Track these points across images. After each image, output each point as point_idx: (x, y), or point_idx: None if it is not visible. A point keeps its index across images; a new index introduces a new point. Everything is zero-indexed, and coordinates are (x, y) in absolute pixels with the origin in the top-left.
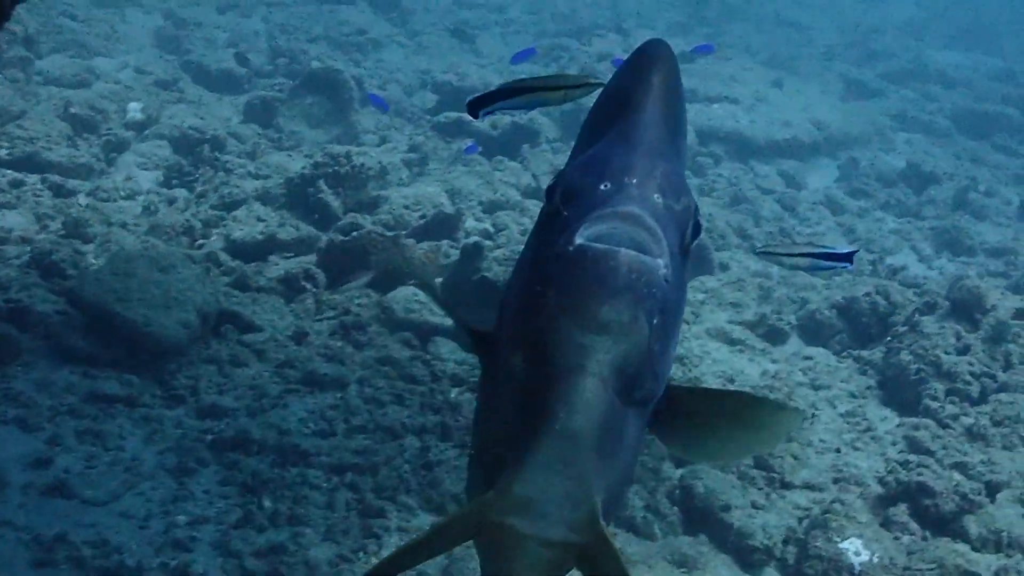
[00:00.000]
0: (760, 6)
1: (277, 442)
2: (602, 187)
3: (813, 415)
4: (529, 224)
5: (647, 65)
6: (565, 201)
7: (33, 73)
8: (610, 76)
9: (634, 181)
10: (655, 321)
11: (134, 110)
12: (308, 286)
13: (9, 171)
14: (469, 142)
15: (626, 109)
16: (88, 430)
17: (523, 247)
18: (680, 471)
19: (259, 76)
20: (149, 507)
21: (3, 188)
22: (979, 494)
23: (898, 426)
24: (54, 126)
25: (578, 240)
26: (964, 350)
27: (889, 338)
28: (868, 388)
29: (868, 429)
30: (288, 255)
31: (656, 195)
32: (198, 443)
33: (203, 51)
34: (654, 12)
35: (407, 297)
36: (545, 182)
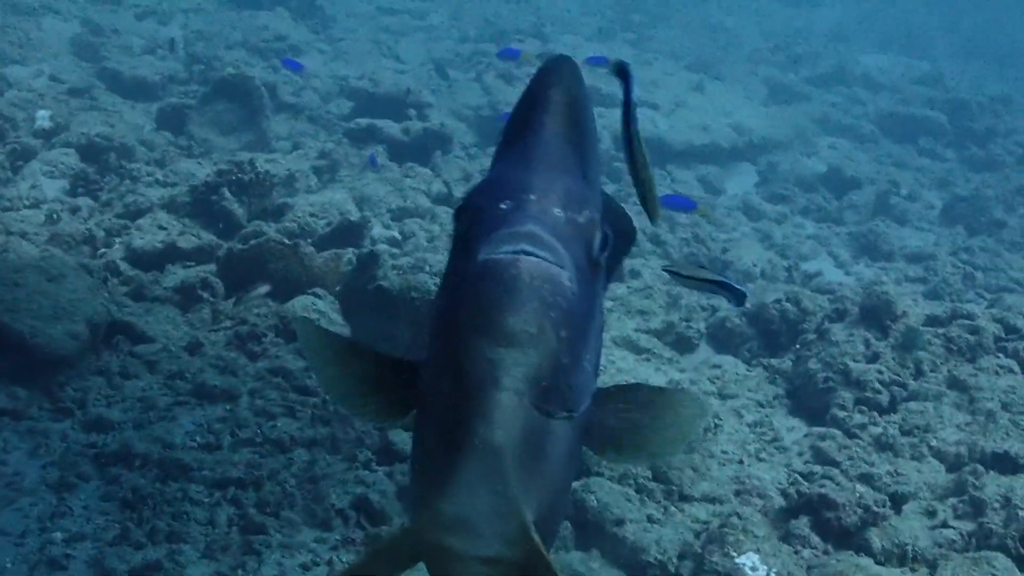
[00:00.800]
0: (687, 11)
1: (161, 456)
2: (502, 206)
3: (716, 425)
4: (438, 231)
5: (546, 84)
6: (470, 224)
7: None
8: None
9: (532, 198)
10: (562, 333)
11: (43, 118)
12: (206, 295)
13: None
14: (376, 149)
15: (525, 129)
16: None
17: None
18: (573, 484)
19: (174, 83)
20: (26, 523)
21: None
22: (884, 506)
23: (805, 436)
24: None
25: (482, 255)
26: (873, 358)
27: (798, 346)
28: (776, 397)
29: (774, 439)
30: (188, 264)
31: (556, 209)
32: (81, 457)
33: (119, 58)
34: (578, 17)
35: (306, 306)
36: (458, 188)
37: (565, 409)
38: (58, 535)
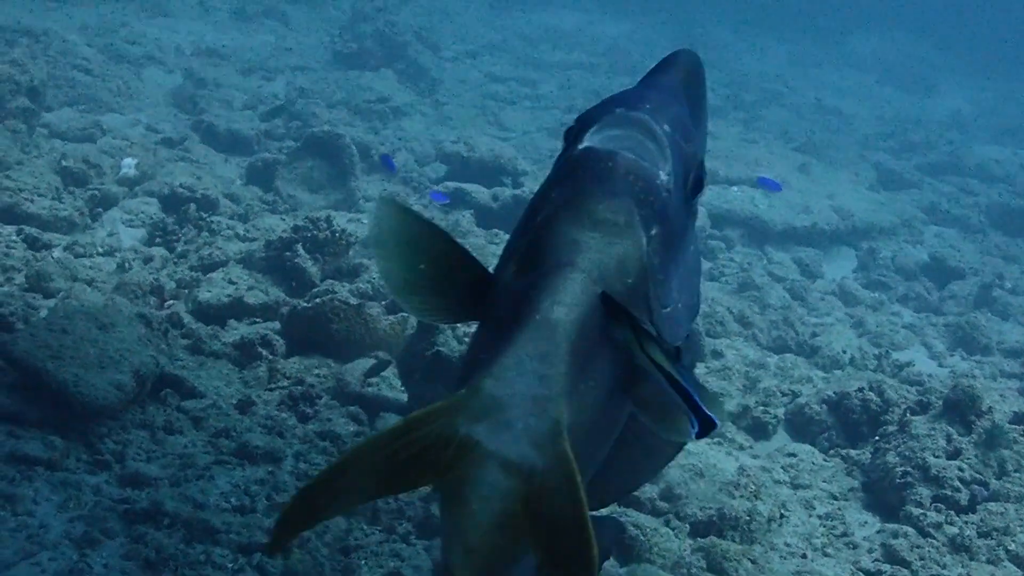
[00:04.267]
0: (802, 94)
1: (190, 516)
2: (617, 110)
3: (783, 515)
4: None
5: (674, 57)
6: (581, 124)
7: (37, 125)
8: None
9: (647, 106)
10: (653, 231)
11: (128, 166)
12: (265, 353)
13: None
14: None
15: (647, 78)
16: (1, 492)
17: None
18: (621, 570)
19: (270, 139)
20: None
21: None
22: None
23: (877, 532)
24: (44, 178)
25: (585, 143)
26: (955, 454)
27: (877, 438)
28: (851, 490)
29: (844, 534)
30: (254, 320)
31: (666, 125)
32: (111, 512)
33: (218, 111)
34: None
35: (365, 369)
36: None
37: (640, 319)
38: None
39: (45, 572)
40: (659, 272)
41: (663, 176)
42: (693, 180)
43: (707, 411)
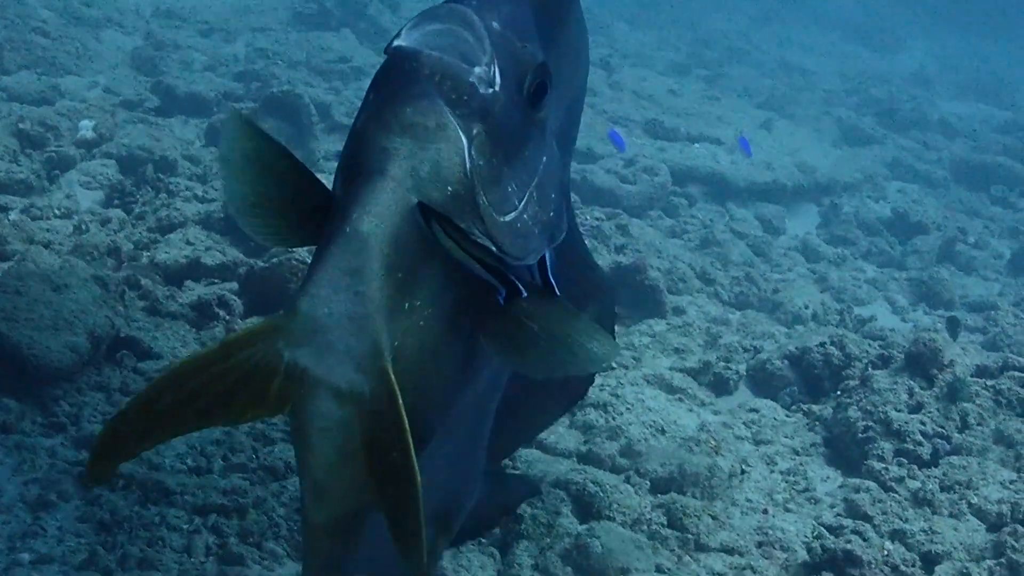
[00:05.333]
0: (766, 51)
1: (145, 477)
2: (439, 5)
3: (743, 471)
4: None
5: None
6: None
7: None
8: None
9: (474, 2)
10: (475, 131)
11: (85, 128)
12: (222, 313)
13: None
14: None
15: None
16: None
17: None
18: (580, 527)
19: (229, 99)
20: None
21: None
22: (913, 565)
23: (839, 487)
24: (0, 141)
25: (395, 42)
26: (917, 408)
27: (839, 392)
28: (814, 445)
29: (806, 489)
30: (212, 281)
31: (494, 21)
32: (66, 475)
33: (177, 73)
34: (651, 51)
35: None
36: None
37: (469, 227)
38: (26, 556)
39: None
40: (489, 177)
41: (478, 72)
42: (534, 85)
43: (517, 283)
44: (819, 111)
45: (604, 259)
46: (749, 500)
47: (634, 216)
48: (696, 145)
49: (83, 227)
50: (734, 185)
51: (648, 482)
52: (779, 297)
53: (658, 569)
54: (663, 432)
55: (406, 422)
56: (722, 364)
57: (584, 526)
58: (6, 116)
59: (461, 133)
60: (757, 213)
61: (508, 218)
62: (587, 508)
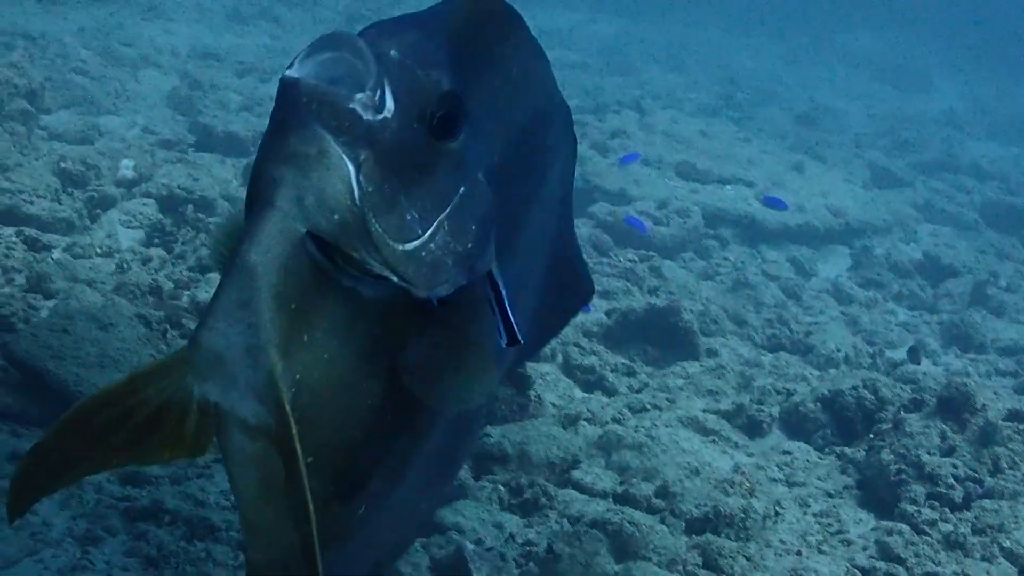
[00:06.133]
0: (796, 92)
1: (191, 514)
2: (335, 34)
3: (777, 513)
4: None
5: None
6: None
7: (36, 127)
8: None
9: (372, 31)
10: (362, 158)
11: (126, 167)
12: None
13: None
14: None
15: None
16: (3, 490)
17: None
18: (617, 567)
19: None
20: (45, 575)
21: None
22: None
23: (872, 530)
24: (43, 180)
25: (285, 72)
26: (949, 451)
27: (872, 435)
28: (846, 487)
29: (839, 531)
30: None
31: (393, 49)
32: (112, 510)
33: (214, 113)
34: (682, 92)
35: None
36: None
37: (363, 256)
38: None
39: (48, 569)
40: (381, 204)
41: (361, 98)
42: (439, 114)
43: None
44: (849, 153)
45: (638, 301)
46: (783, 541)
47: (667, 258)
48: (728, 187)
49: (125, 266)
50: (765, 227)
51: (683, 523)
52: (811, 340)
53: None
54: (698, 473)
55: (300, 459)
56: (755, 407)
57: (620, 565)
58: (47, 155)
59: (346, 160)
60: (788, 255)
61: (409, 247)
62: (624, 548)
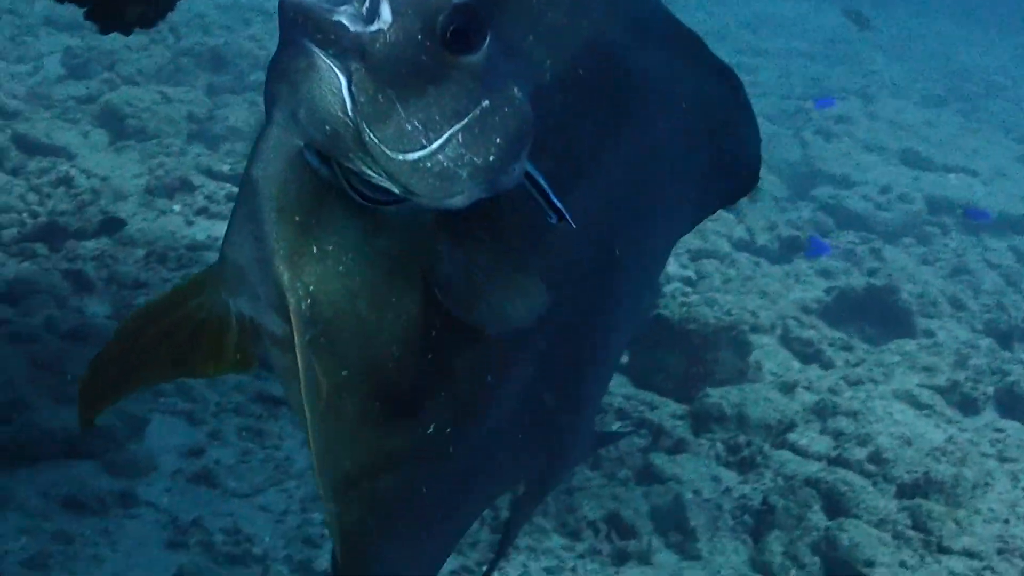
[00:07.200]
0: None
1: None
2: None
3: (987, 484)
4: (734, 275)
5: None
6: None
7: None
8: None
9: None
10: (352, 68)
11: None
12: None
13: (227, 184)
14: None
15: None
16: (249, 428)
17: None
18: (828, 522)
19: None
20: (289, 503)
21: (219, 200)
22: None
23: None
24: None
25: None
26: None
27: None
28: None
29: None
30: None
31: None
32: None
33: None
34: (908, 82)
35: None
36: (761, 236)
37: (359, 166)
38: (317, 516)
39: (292, 498)
40: (375, 113)
41: (347, 10)
42: (451, 28)
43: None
44: None
45: (857, 280)
46: (991, 510)
47: (887, 242)
48: (952, 176)
49: None
50: (988, 217)
51: (894, 487)
52: None
53: (902, 565)
54: (910, 443)
55: (306, 369)
56: (970, 384)
57: (833, 521)
58: None
59: (337, 72)
60: (1011, 245)
61: (411, 156)
62: (836, 506)
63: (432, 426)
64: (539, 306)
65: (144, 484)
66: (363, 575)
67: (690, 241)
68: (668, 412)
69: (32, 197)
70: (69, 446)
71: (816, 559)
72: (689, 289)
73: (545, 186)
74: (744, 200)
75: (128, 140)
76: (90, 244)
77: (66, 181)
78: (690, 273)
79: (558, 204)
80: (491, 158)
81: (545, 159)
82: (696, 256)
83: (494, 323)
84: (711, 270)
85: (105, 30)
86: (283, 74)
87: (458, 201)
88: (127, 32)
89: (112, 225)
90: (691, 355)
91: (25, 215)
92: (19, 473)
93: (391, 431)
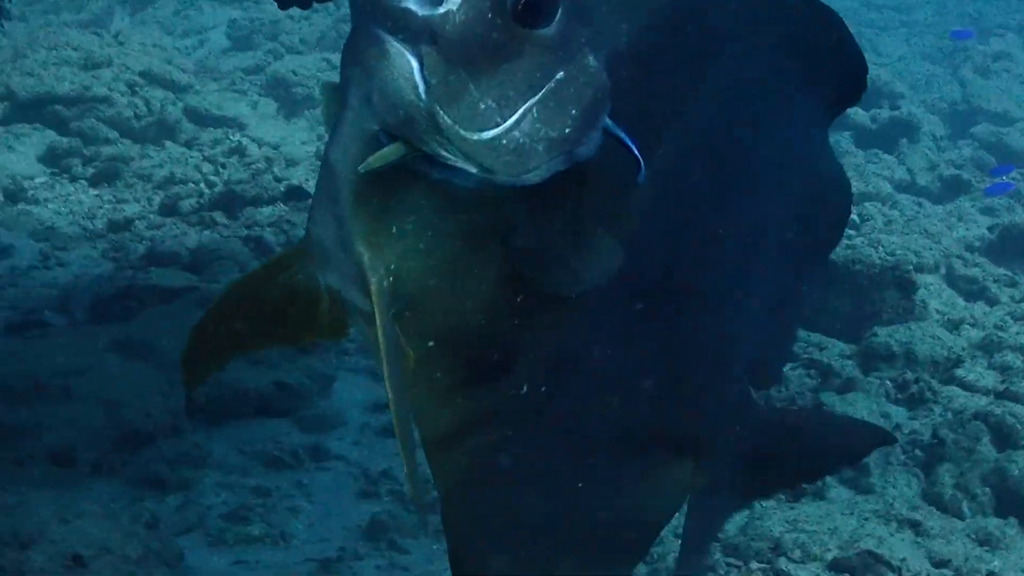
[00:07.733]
0: None
1: None
2: None
3: None
4: (896, 216)
5: None
6: None
7: None
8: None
9: None
10: (423, 52)
11: None
12: None
13: None
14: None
15: None
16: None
17: None
18: (998, 455)
19: None
20: None
21: None
22: None
23: None
24: None
25: None
26: None
27: None
28: None
29: None
30: None
31: None
32: None
33: None
34: None
35: None
36: (922, 177)
37: (432, 146)
38: None
39: None
40: (447, 95)
41: (412, 5)
42: (522, 3)
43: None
44: None
45: (1020, 217)
46: None
47: None
48: None
49: None
50: None
51: None
52: None
53: None
54: None
55: (386, 343)
56: None
57: (1002, 454)
58: None
59: (408, 56)
60: None
61: (487, 135)
62: (1005, 438)
63: (525, 386)
64: (613, 264)
65: (334, 438)
66: (470, 532)
67: (851, 184)
68: (837, 352)
69: (207, 168)
70: (262, 405)
71: (987, 490)
72: (852, 232)
73: (631, 145)
74: (903, 141)
75: (296, 108)
76: (266, 211)
77: (239, 151)
78: (853, 216)
79: (639, 157)
80: (567, 130)
81: (625, 120)
82: (858, 199)
83: (569, 284)
84: (873, 212)
85: (284, 5)
86: (356, 60)
87: (535, 176)
88: (306, 6)
89: (295, 192)
90: (857, 296)
91: (202, 185)
92: (215, 432)
93: (484, 392)
